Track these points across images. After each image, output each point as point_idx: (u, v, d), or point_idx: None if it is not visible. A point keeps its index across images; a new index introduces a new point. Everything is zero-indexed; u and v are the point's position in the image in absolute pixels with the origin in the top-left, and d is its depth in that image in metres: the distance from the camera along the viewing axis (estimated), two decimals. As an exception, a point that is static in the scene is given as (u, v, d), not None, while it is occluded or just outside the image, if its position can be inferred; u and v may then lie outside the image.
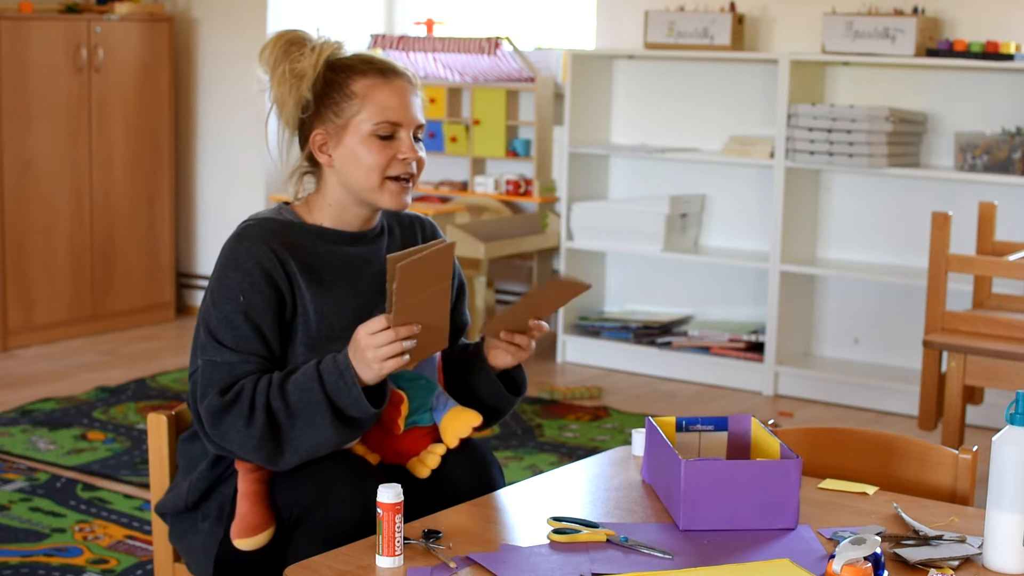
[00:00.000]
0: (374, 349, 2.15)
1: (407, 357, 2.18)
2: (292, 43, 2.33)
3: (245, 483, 2.25)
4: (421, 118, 2.35)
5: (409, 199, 2.35)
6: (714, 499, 2.07)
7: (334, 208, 2.36)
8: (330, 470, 2.22)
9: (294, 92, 2.31)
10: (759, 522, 2.08)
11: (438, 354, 2.39)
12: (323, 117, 2.32)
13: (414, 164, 2.33)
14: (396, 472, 2.36)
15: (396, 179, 2.32)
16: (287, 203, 2.40)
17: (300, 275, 2.28)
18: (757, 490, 2.07)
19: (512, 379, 2.43)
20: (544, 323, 2.33)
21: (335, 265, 2.33)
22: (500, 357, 2.36)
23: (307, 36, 2.34)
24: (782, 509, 2.08)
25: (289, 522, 2.24)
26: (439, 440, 2.38)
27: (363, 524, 2.13)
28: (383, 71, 2.32)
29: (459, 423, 2.34)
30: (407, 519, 2.11)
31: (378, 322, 2.15)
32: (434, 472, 2.35)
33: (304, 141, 2.36)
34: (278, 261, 2.26)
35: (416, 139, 2.35)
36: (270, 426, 2.18)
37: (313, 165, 2.37)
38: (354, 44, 2.42)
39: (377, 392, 2.22)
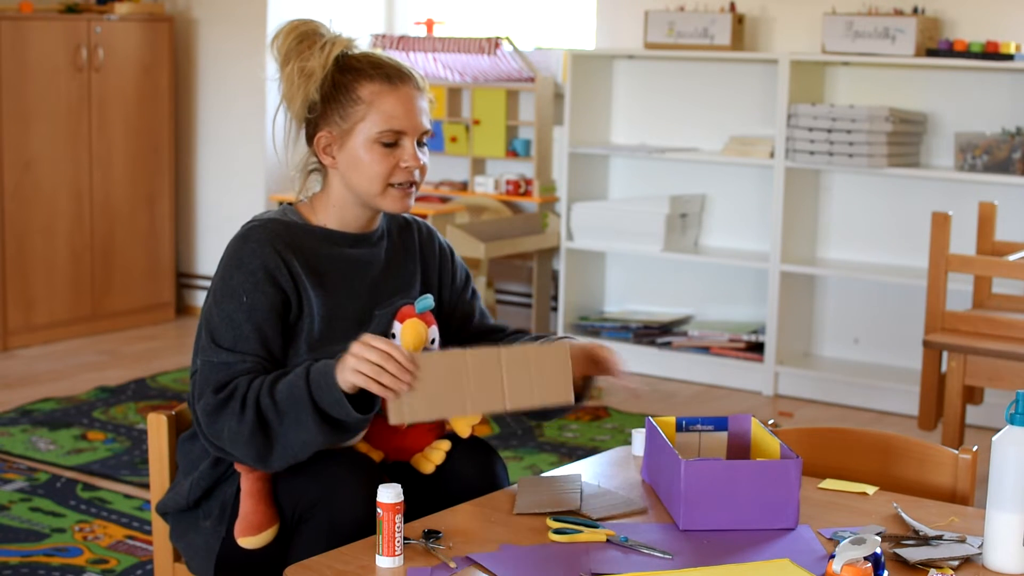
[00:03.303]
0: (358, 353, 2.10)
1: (378, 387, 2.09)
2: (304, 37, 2.31)
3: (248, 481, 2.24)
4: (427, 124, 2.34)
5: (411, 203, 2.35)
6: (714, 499, 2.07)
7: (338, 208, 2.35)
8: (333, 467, 2.22)
9: (302, 91, 2.29)
10: (759, 522, 2.08)
11: (436, 349, 2.38)
12: (329, 119, 2.31)
13: (416, 171, 2.33)
14: (400, 468, 2.36)
15: (398, 185, 2.32)
16: (291, 204, 2.40)
17: (305, 276, 2.28)
18: (757, 490, 2.08)
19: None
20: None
21: (338, 267, 2.33)
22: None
23: (320, 29, 2.32)
24: (782, 509, 2.08)
25: (292, 520, 2.24)
26: (443, 436, 2.38)
27: (366, 521, 2.12)
28: (390, 77, 2.30)
29: None
30: (412, 516, 2.11)
31: (383, 340, 2.11)
32: (439, 468, 2.34)
33: (310, 140, 2.35)
34: (283, 262, 2.26)
35: (420, 144, 2.34)
36: (259, 422, 2.17)
37: (319, 163, 2.37)
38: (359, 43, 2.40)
39: (366, 399, 2.18)
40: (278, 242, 2.28)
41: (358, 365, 2.09)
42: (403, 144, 2.31)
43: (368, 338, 2.12)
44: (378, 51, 2.37)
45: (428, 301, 2.36)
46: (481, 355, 2.15)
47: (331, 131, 2.31)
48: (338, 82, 2.30)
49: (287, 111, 2.33)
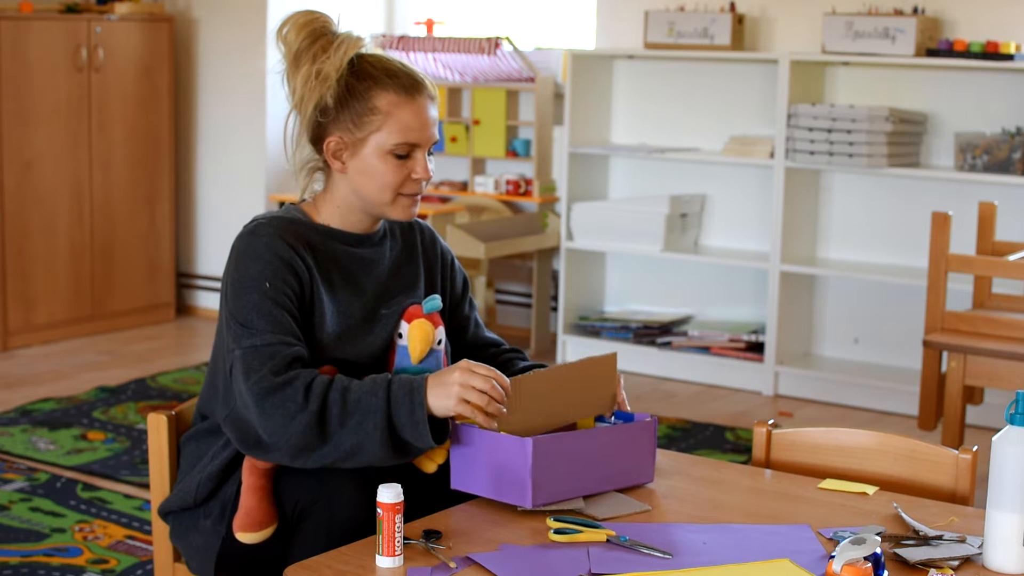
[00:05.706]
0: (465, 381, 2.10)
1: (481, 417, 2.10)
2: (317, 35, 2.28)
3: (252, 477, 2.24)
4: (436, 134, 2.34)
5: (416, 211, 2.36)
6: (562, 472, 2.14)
7: (342, 210, 2.35)
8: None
9: (315, 94, 2.27)
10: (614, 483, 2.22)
11: (443, 350, 2.39)
12: (341, 124, 2.28)
13: (424, 181, 2.34)
14: (402, 467, 2.35)
15: (407, 195, 2.32)
16: (293, 203, 2.39)
17: (316, 270, 2.28)
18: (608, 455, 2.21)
19: None
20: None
21: (343, 264, 2.33)
22: None
23: (331, 25, 2.30)
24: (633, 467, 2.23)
25: (292, 517, 2.23)
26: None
27: (367, 521, 2.12)
28: (407, 88, 2.28)
29: None
30: (413, 515, 2.11)
31: (485, 367, 2.12)
32: (441, 467, 2.34)
33: (318, 141, 2.32)
34: (296, 254, 2.25)
35: (428, 153, 2.34)
36: (320, 416, 2.13)
37: (323, 162, 2.36)
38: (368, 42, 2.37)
39: (441, 426, 2.16)
40: (287, 235, 2.26)
41: (465, 394, 2.10)
42: (415, 156, 2.31)
43: (470, 364, 2.12)
44: (388, 54, 2.35)
45: (436, 302, 2.36)
46: (551, 374, 2.23)
47: (342, 137, 2.29)
48: (353, 88, 2.27)
49: (295, 111, 2.31)
